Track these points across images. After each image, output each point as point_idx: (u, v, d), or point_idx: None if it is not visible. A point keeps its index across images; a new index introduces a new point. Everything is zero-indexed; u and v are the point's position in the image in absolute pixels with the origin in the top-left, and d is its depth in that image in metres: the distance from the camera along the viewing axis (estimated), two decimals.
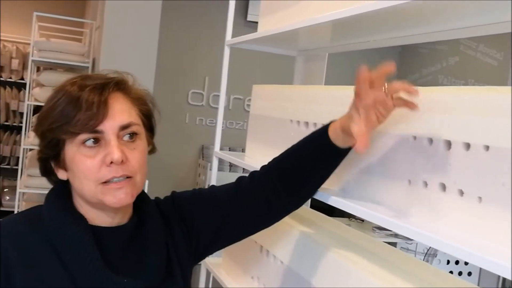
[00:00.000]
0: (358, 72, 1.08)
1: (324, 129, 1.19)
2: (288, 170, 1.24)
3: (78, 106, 1.03)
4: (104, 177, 1.04)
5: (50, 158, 1.10)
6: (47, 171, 1.14)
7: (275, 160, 1.29)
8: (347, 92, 1.34)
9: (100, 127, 1.04)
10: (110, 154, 1.03)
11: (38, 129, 1.09)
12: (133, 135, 1.08)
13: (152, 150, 1.19)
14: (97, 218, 1.11)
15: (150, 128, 1.17)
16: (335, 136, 1.17)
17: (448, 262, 4.35)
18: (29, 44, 5.22)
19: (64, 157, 1.07)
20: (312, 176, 1.24)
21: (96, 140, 1.04)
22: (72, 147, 1.05)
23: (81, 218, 1.10)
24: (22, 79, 6.40)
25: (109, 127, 1.04)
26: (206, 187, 1.39)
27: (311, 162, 1.22)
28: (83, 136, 1.04)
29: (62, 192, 1.13)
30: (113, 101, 1.07)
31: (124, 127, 1.06)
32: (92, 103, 1.03)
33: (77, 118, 1.02)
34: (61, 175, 1.11)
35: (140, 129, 1.11)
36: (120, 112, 1.07)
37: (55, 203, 1.12)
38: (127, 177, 1.06)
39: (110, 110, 1.05)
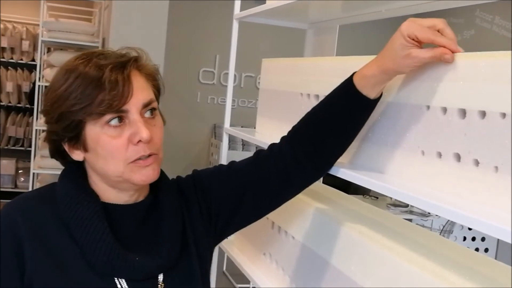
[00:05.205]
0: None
1: (349, 80, 1.12)
2: (308, 131, 1.18)
3: (100, 86, 1.01)
4: (132, 156, 1.04)
5: (65, 139, 1.08)
6: (58, 153, 1.13)
7: (295, 126, 1.24)
8: (357, 63, 1.30)
9: (126, 107, 1.03)
10: (138, 133, 1.03)
11: (55, 111, 1.05)
12: (153, 111, 1.09)
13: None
14: (114, 196, 1.11)
15: (158, 102, 1.17)
16: (364, 83, 1.10)
17: (465, 238, 4.32)
18: (38, 25, 5.20)
19: (85, 138, 1.05)
20: (335, 135, 1.17)
21: (121, 119, 1.04)
22: (94, 128, 1.04)
23: (94, 195, 1.09)
24: (33, 60, 6.40)
25: (134, 105, 1.04)
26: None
27: (335, 118, 1.15)
28: (108, 117, 1.02)
29: (75, 171, 1.13)
30: (133, 78, 1.05)
31: (146, 105, 1.06)
32: (116, 82, 1.02)
33: (100, 98, 1.01)
34: (77, 156, 1.09)
35: (156, 105, 1.11)
36: (142, 89, 1.06)
37: (68, 181, 1.11)
38: (153, 154, 1.06)
39: (133, 88, 1.04)
